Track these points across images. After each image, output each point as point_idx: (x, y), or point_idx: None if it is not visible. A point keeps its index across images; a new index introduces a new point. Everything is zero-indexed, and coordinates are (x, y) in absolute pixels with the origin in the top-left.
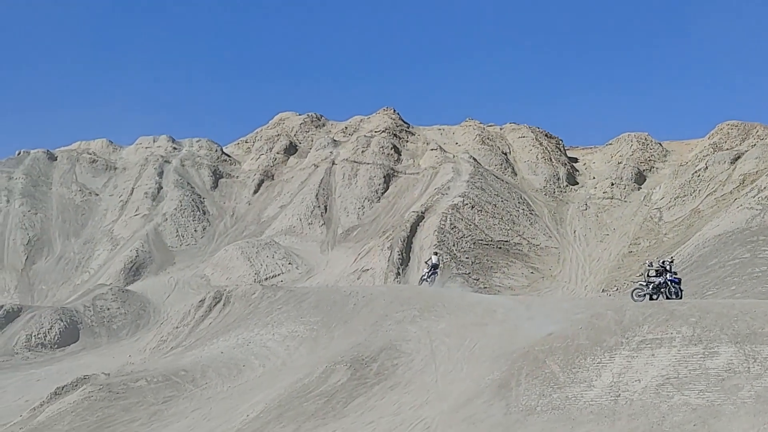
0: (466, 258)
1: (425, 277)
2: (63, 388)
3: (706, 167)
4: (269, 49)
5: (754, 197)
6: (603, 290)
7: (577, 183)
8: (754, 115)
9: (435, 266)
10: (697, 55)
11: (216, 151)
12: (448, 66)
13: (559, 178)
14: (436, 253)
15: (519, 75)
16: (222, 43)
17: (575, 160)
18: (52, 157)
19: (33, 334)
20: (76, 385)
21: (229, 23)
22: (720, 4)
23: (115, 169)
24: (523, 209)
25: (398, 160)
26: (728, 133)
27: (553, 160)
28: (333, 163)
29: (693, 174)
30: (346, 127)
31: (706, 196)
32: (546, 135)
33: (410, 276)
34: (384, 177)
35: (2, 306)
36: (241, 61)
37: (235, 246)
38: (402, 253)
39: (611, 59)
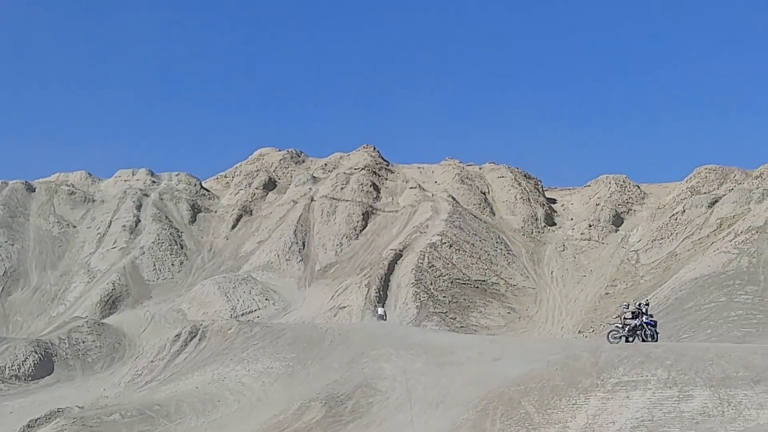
0: (444, 297)
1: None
2: (36, 420)
3: (684, 210)
4: (251, 84)
5: (730, 241)
6: (579, 331)
7: (555, 224)
8: (731, 159)
9: (381, 316)
10: (674, 98)
11: (195, 185)
12: (429, 104)
13: (537, 219)
14: (382, 306)
15: (498, 114)
16: (203, 76)
17: (553, 201)
18: (31, 189)
19: (7, 366)
20: (50, 418)
21: (209, 58)
22: (698, 48)
23: (94, 201)
24: (501, 249)
25: (377, 198)
26: (706, 177)
27: (531, 200)
28: (312, 200)
29: (670, 217)
30: (326, 164)
31: (684, 239)
32: (525, 175)
33: (388, 314)
34: (362, 214)
35: None
36: (222, 96)
37: (212, 281)
38: (379, 291)
39: (590, 100)
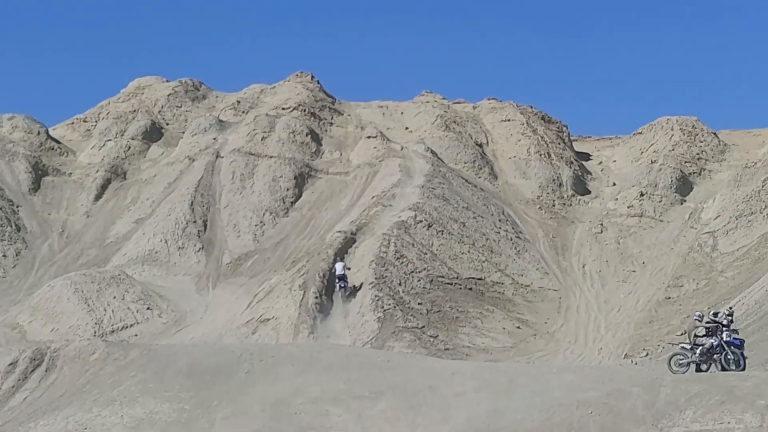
0: (419, 304)
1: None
2: None
3: None
4: None
5: None
6: (626, 356)
7: (590, 192)
8: None
9: (341, 277)
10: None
11: (39, 134)
12: (394, 16)
13: (561, 184)
14: (341, 259)
15: (501, 30)
16: None
17: (586, 156)
18: None
19: None
20: None
21: None
22: None
23: None
24: (507, 231)
25: (317, 153)
26: None
27: (552, 155)
28: (218, 156)
29: (765, 180)
30: (239, 101)
31: None
32: (543, 118)
33: (333, 329)
34: (295, 178)
35: None
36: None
37: (66, 280)
38: (320, 296)
39: (640, 9)
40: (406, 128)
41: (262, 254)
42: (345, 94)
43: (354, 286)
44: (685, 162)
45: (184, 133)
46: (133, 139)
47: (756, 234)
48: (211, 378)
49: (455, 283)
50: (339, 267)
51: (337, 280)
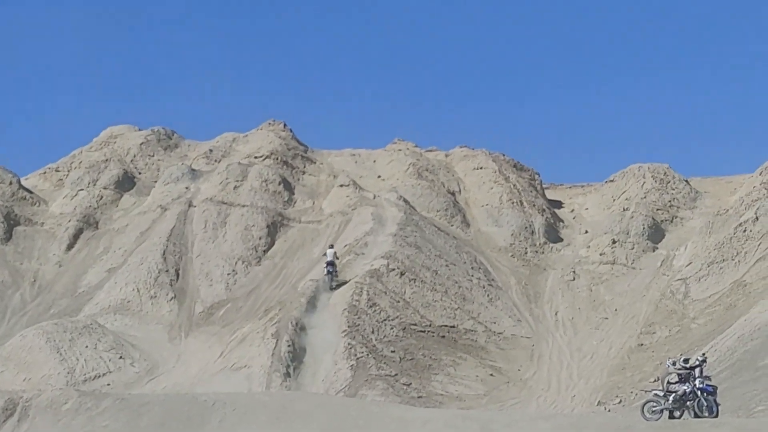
0: (392, 351)
1: (326, 275)
2: None
3: (757, 218)
4: (97, 38)
5: None
6: (599, 403)
7: (562, 239)
8: None
9: (330, 263)
10: (741, 55)
11: (11, 183)
12: (366, 64)
13: (533, 232)
14: (331, 246)
15: (473, 78)
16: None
17: (559, 204)
18: None
19: None
20: None
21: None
22: None
23: None
24: (479, 278)
25: (290, 201)
26: None
27: (524, 203)
28: (190, 205)
29: (736, 228)
30: (211, 150)
31: (756, 261)
32: (515, 166)
33: (305, 378)
34: (268, 227)
35: None
36: (51, 53)
37: (38, 330)
38: (293, 344)
39: (611, 57)
40: (379, 176)
41: (234, 303)
42: (317, 142)
43: (341, 280)
44: (657, 209)
45: (156, 182)
46: (105, 188)
47: (728, 281)
48: (183, 428)
49: (428, 331)
50: (330, 253)
51: (325, 265)
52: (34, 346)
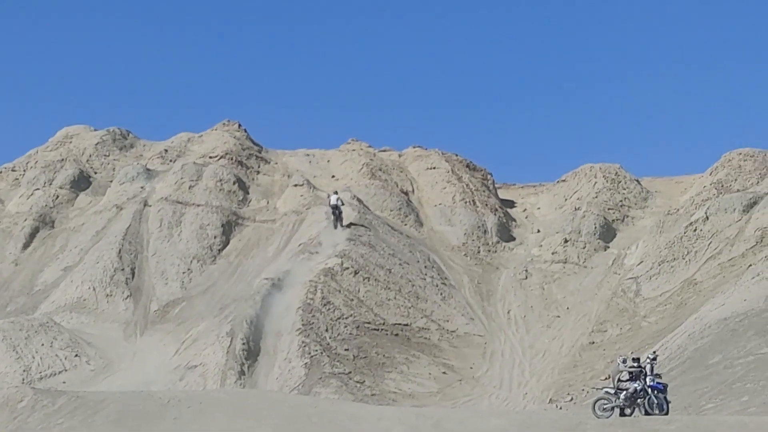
0: (346, 350)
1: (333, 221)
2: None
3: (707, 217)
4: (56, 42)
5: None
6: (551, 400)
7: (514, 239)
8: None
9: (335, 207)
10: (694, 49)
11: None
12: (319, 64)
13: (486, 231)
14: (335, 192)
15: (426, 78)
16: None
17: (511, 203)
18: None
19: None
20: None
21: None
22: None
23: None
24: (432, 277)
25: (244, 201)
26: (740, 166)
27: (477, 203)
28: (145, 204)
29: (687, 227)
30: (166, 150)
31: (707, 260)
32: (468, 166)
33: (260, 376)
34: (223, 226)
35: None
36: (9, 57)
37: None
38: (248, 342)
39: (563, 58)
40: (333, 176)
41: (189, 301)
42: (272, 142)
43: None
44: (609, 209)
45: (112, 181)
46: (61, 188)
47: (678, 279)
48: (138, 425)
49: (381, 329)
50: (333, 198)
51: (332, 210)
52: None
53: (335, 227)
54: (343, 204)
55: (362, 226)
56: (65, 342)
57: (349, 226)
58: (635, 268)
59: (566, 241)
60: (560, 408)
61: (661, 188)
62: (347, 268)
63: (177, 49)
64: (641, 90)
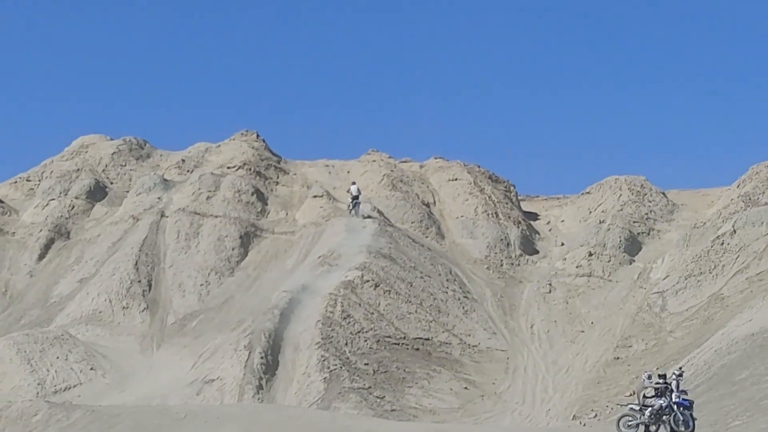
0: (366, 364)
1: (350, 209)
2: None
3: (734, 231)
4: (72, 51)
5: None
6: (574, 417)
7: (538, 252)
8: None
9: (355, 197)
10: (721, 60)
11: None
12: (340, 75)
13: (509, 244)
14: (354, 183)
15: (448, 88)
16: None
17: (534, 216)
18: None
19: None
20: None
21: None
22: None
23: None
24: (454, 291)
25: (263, 212)
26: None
27: (500, 215)
28: (162, 215)
29: (714, 240)
30: (184, 160)
31: (734, 275)
32: (490, 177)
33: (278, 390)
34: (241, 237)
35: None
36: (24, 63)
37: (8, 340)
38: (266, 356)
39: (589, 69)
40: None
41: (206, 314)
42: (291, 152)
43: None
44: (634, 222)
45: (128, 192)
46: (76, 198)
47: (705, 294)
48: None
49: (402, 344)
50: (354, 189)
51: (351, 199)
52: (5, 356)
53: (352, 214)
54: (361, 193)
55: (376, 218)
56: (80, 355)
57: (366, 217)
58: (661, 283)
59: (591, 254)
60: (584, 425)
61: (687, 201)
62: (367, 281)
63: (195, 58)
64: (667, 101)
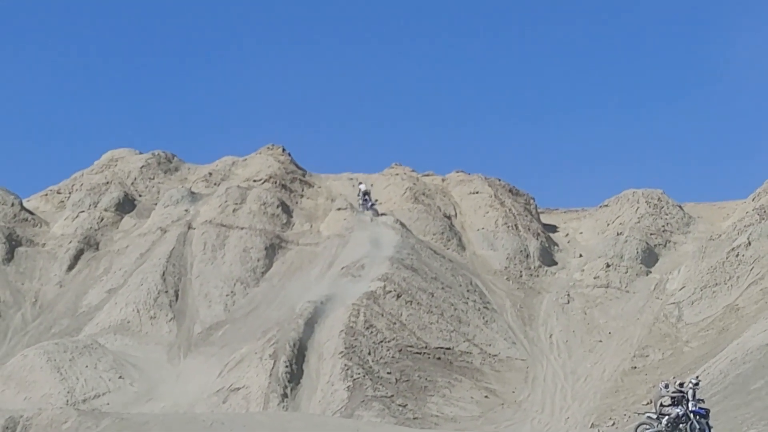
0: (388, 373)
1: (359, 205)
2: None
3: (750, 243)
4: (103, 67)
5: None
6: (592, 425)
7: (556, 263)
8: None
9: (365, 193)
10: (735, 72)
11: (13, 205)
12: (364, 89)
13: (528, 256)
14: (361, 183)
15: (470, 103)
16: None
17: (553, 228)
18: None
19: None
20: None
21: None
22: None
23: None
24: (475, 301)
25: (288, 224)
26: None
27: (520, 227)
28: (189, 227)
29: (729, 253)
30: (211, 173)
31: (749, 286)
32: (510, 191)
33: (303, 398)
34: (266, 249)
35: None
36: (52, 75)
37: (38, 349)
38: (291, 365)
39: (606, 82)
40: (376, 200)
41: (233, 324)
42: (315, 166)
43: (377, 209)
44: (651, 234)
45: (156, 204)
46: (106, 210)
47: (720, 305)
48: None
49: (424, 353)
50: (363, 187)
51: (362, 196)
52: (35, 365)
53: (372, 214)
54: (372, 186)
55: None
56: (109, 364)
57: (381, 215)
58: (677, 294)
59: (608, 265)
60: None
61: (703, 214)
62: (390, 292)
63: (222, 73)
64: (683, 115)
